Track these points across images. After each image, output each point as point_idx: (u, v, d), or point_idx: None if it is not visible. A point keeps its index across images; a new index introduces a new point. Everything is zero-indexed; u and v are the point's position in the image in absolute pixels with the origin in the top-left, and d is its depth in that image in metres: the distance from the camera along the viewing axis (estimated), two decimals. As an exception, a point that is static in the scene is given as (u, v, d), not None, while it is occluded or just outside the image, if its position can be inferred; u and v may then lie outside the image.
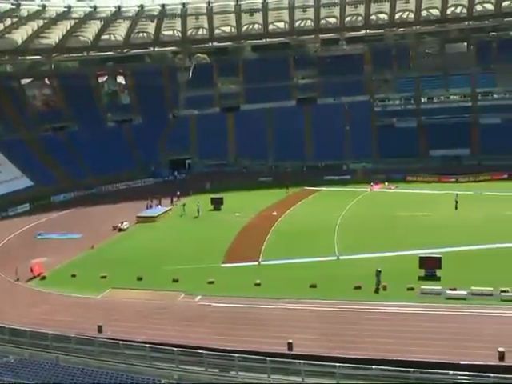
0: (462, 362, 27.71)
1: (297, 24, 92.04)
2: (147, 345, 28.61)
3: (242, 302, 36.94)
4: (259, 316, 34.84)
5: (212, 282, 40.34)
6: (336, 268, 42.34)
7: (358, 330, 32.32)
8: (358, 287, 37.77)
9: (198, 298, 38.28)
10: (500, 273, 37.93)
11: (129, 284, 41.04)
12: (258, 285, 39.44)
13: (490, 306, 34.53)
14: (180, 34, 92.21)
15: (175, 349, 27.83)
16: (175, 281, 40.84)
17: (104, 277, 42.44)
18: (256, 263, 44.43)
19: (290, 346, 29.72)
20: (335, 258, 44.47)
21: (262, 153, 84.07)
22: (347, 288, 37.68)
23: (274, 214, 59.70)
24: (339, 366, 26.41)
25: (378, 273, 37.84)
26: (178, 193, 69.01)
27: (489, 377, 25.49)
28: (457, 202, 57.38)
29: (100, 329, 32.69)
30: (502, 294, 35.52)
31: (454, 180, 69.99)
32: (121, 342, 28.83)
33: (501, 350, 28.32)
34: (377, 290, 37.46)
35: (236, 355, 27.30)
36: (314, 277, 39.68)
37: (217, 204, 63.82)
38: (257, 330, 32.87)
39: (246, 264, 44.51)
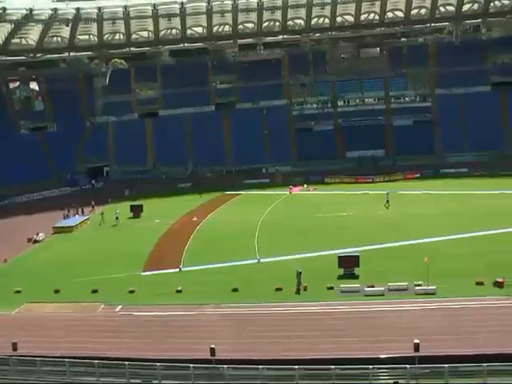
0: (381, 356, 28.61)
1: (215, 29, 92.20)
2: (66, 359, 27.76)
3: (163, 309, 36.53)
4: (181, 323, 34.57)
5: (133, 291, 39.65)
6: (257, 271, 42.62)
7: (280, 331, 32.61)
8: (280, 289, 38.16)
9: (119, 308, 37.50)
10: (414, 268, 39.22)
11: (45, 297, 39.68)
12: (180, 292, 39.11)
13: (406, 300, 35.80)
14: (96, 39, 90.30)
15: (96, 361, 27.14)
16: (94, 291, 39.86)
17: (18, 291, 40.80)
18: (177, 270, 44.02)
19: (212, 351, 29.60)
20: (256, 261, 44.72)
21: (182, 158, 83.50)
22: (268, 290, 38.01)
23: (195, 219, 59.41)
24: (262, 368, 26.63)
25: (299, 274, 38.36)
26: (93, 203, 67.24)
27: (406, 368, 26.42)
28: (388, 200, 58.79)
29: (15, 346, 31.33)
30: (416, 288, 36.96)
31: (370, 180, 72.02)
32: (38, 358, 27.81)
33: (416, 341, 29.39)
34: (298, 291, 37.98)
35: (158, 364, 26.96)
36: (236, 281, 39.76)
37: (136, 211, 62.82)
38: (179, 337, 32.62)
39: (166, 271, 44.04)
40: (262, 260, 44.77)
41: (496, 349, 28.84)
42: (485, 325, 32.15)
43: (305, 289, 38.02)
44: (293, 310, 35.41)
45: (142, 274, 43.91)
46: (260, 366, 26.87)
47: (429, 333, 31.29)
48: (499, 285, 36.59)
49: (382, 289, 37.13)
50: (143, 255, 47.80)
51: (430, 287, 36.70)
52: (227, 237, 51.47)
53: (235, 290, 38.58)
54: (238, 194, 71.11)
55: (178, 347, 31.06)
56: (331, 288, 37.98)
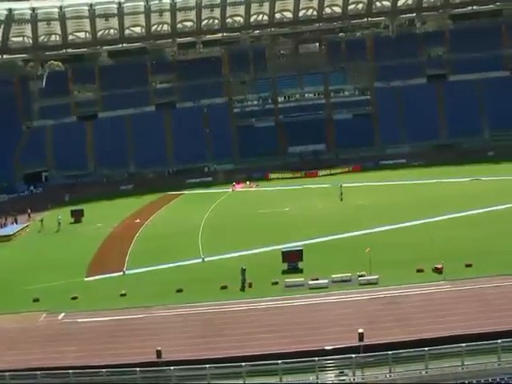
0: (327, 348, 28.87)
1: (153, 28, 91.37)
2: (7, 373, 26.88)
3: (108, 314, 35.84)
4: (127, 327, 34.00)
5: (75, 298, 38.76)
6: (202, 270, 42.41)
7: (226, 329, 32.52)
8: (225, 287, 38.07)
9: (62, 315, 36.58)
10: (357, 259, 39.76)
11: (-17, 309, 38.35)
12: (124, 295, 38.49)
13: (350, 291, 36.33)
14: (31, 41, 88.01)
15: (38, 372, 26.42)
16: (36, 300, 38.73)
17: (-47, 304, 39.31)
18: (121, 273, 43.35)
19: (158, 353, 29.27)
20: (200, 260, 44.52)
21: (123, 160, 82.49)
22: (213, 289, 37.84)
23: (137, 221, 58.76)
24: (209, 367, 26.51)
25: (243, 271, 38.37)
26: (29, 210, 65.34)
27: (351, 358, 26.79)
28: (341, 193, 59.40)
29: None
30: (360, 278, 37.53)
31: (312, 174, 72.60)
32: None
33: (360, 331, 29.84)
34: (243, 288, 37.97)
35: (104, 370, 26.48)
36: (181, 281, 39.46)
37: (77, 216, 61.56)
38: (125, 341, 32.06)
39: (110, 275, 43.25)
40: (206, 259, 44.59)
41: (436, 333, 29.58)
42: (426, 310, 32.92)
43: (250, 285, 38.03)
44: (238, 308, 35.37)
45: (85, 279, 43.00)
46: (207, 365, 26.73)
47: (372, 321, 31.85)
48: (438, 271, 37.60)
49: (326, 281, 37.51)
50: (86, 260, 46.83)
51: (372, 277, 37.32)
52: (171, 237, 51.08)
53: (180, 290, 38.26)
54: (181, 194, 70.72)
55: (125, 352, 30.52)
56: (276, 283, 38.15)
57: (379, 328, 31.12)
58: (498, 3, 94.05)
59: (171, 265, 43.85)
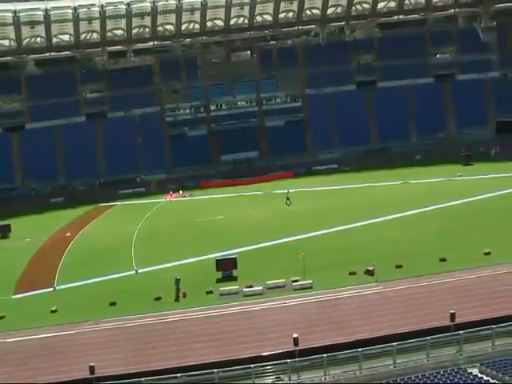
0: (263, 354, 29.02)
1: (82, 37, 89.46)
2: None
3: (38, 332, 34.70)
4: (58, 344, 33.08)
5: (3, 317, 37.34)
6: (135, 282, 41.75)
7: (161, 340, 32.14)
8: (159, 298, 37.63)
9: (-12, 335, 35.19)
10: (291, 264, 40.14)
11: None
12: (55, 311, 37.40)
13: (285, 297, 36.63)
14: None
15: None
16: (-41, 322, 37.11)
17: None
18: (51, 289, 42.09)
19: (91, 369, 28.58)
20: (134, 272, 43.80)
21: (52, 173, 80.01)
22: (147, 300, 37.33)
23: (68, 234, 57.16)
24: (145, 380, 26.14)
25: (177, 281, 38.03)
26: None
27: (286, 363, 26.98)
28: (288, 198, 59.50)
29: None
30: (294, 283, 37.88)
31: (245, 182, 72.53)
32: None
33: (295, 335, 30.11)
34: (177, 298, 37.66)
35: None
36: (114, 294, 38.72)
37: (4, 231, 59.21)
38: (57, 359, 31.16)
39: (40, 291, 41.92)
40: (139, 270, 43.90)
41: (370, 333, 30.19)
42: (359, 312, 33.59)
43: (184, 295, 37.76)
44: (173, 318, 35.01)
45: (13, 297, 41.47)
46: (142, 379, 26.34)
47: (307, 326, 32.25)
48: (370, 273, 38.42)
49: (261, 288, 37.69)
50: (13, 277, 45.07)
51: (306, 282, 37.75)
52: (103, 250, 50.02)
53: (113, 303, 37.54)
54: (114, 205, 69.18)
55: (57, 370, 29.67)
56: (210, 292, 38.05)
57: (314, 332, 31.54)
58: (423, 13, 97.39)
59: (104, 278, 42.93)
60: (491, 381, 24.12)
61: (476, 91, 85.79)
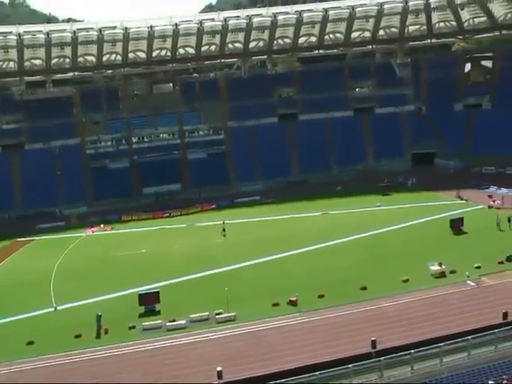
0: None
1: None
2: None
3: None
4: (-31, 388, 31.24)
5: None
6: (54, 320, 40.08)
7: (80, 380, 31.01)
8: (79, 335, 36.37)
9: None
10: (214, 297, 39.89)
11: None
12: (-35, 354, 35.37)
13: (208, 330, 36.26)
14: None
15: None
16: None
17: None
18: (-39, 330, 39.86)
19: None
20: (53, 309, 42.12)
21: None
22: (67, 338, 35.97)
23: (-18, 271, 54.52)
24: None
25: (99, 317, 36.99)
26: None
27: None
28: (224, 229, 59.24)
29: None
30: (217, 316, 37.59)
31: (167, 215, 71.70)
32: None
33: (219, 369, 29.86)
34: (98, 335, 36.52)
35: None
36: (31, 333, 37.09)
37: None
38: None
39: None
40: (59, 307, 42.21)
41: (294, 364, 30.34)
42: (282, 342, 33.69)
43: (106, 332, 36.67)
44: (93, 356, 33.89)
45: None
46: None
47: (231, 358, 32.03)
48: (293, 303, 38.70)
49: (184, 322, 37.19)
50: None
51: (230, 314, 37.55)
52: (20, 286, 47.86)
53: (31, 342, 35.92)
54: (31, 240, 66.42)
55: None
56: (133, 327, 37.16)
57: (238, 364, 31.36)
58: (342, 48, 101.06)
59: (21, 316, 40.96)
60: (411, 404, 24.69)
61: (393, 124, 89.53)
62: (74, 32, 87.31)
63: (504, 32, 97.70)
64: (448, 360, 29.18)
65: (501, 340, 30.38)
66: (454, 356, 29.44)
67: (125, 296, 43.17)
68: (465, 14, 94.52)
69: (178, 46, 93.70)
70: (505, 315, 33.31)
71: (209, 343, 34.70)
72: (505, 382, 22.18)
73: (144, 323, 37.30)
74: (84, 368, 32.43)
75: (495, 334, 30.36)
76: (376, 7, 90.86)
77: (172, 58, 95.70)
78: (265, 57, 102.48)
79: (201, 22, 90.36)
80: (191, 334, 35.96)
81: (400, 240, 51.81)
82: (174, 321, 37.35)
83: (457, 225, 53.14)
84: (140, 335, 36.20)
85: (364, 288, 40.52)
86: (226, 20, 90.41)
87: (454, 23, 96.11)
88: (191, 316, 37.60)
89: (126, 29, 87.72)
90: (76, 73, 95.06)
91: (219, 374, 29.86)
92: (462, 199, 65.81)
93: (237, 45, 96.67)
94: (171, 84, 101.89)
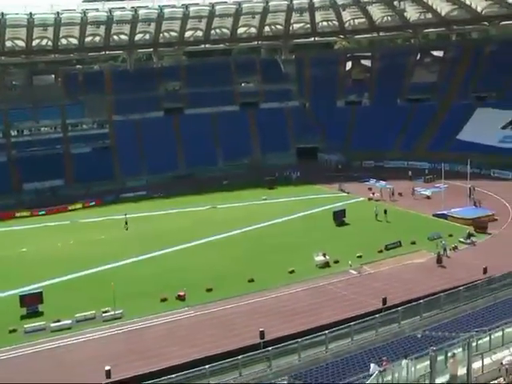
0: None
1: None
2: None
3: None
4: None
5: None
6: None
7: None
8: (-47, 342, 34.12)
9: None
10: (101, 295, 38.75)
11: None
12: None
13: (95, 329, 35.34)
14: None
15: None
16: None
17: None
18: None
19: None
20: None
21: None
22: None
23: None
24: None
25: (-25, 322, 34.94)
26: None
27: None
28: (126, 222, 57.66)
29: None
30: (104, 314, 36.69)
31: (49, 212, 67.84)
32: None
33: (107, 368, 29.21)
34: (-26, 341, 34.46)
35: None
36: None
37: None
38: None
39: None
40: None
41: (182, 359, 30.29)
42: (170, 338, 33.65)
43: (-17, 337, 34.73)
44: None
45: None
46: None
47: (119, 357, 31.42)
48: (181, 298, 38.60)
49: (69, 322, 35.93)
50: None
51: (117, 312, 36.75)
52: None
53: None
54: None
55: None
56: (14, 330, 35.35)
57: (126, 362, 30.86)
58: (228, 43, 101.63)
59: None
60: (299, 392, 25.34)
61: (278, 119, 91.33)
62: None
63: (381, 34, 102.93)
64: (333, 346, 30.35)
65: (381, 324, 32.05)
66: (338, 342, 30.66)
67: (4, 298, 40.98)
68: (346, 15, 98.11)
69: (60, 35, 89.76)
70: (384, 301, 35.20)
71: (96, 342, 33.80)
72: (384, 363, 23.50)
73: (26, 325, 35.60)
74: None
75: (375, 319, 31.96)
76: (262, 4, 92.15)
77: (54, 49, 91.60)
78: (151, 50, 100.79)
79: (84, 12, 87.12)
80: (77, 334, 34.83)
81: (286, 232, 53.10)
82: (58, 321, 35.96)
83: (339, 216, 55.38)
84: (22, 338, 34.50)
85: (251, 280, 41.17)
86: (110, 11, 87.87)
87: (336, 23, 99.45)
88: (77, 315, 36.38)
89: (3, 14, 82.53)
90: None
91: (107, 374, 29.19)
92: (344, 192, 68.59)
93: (122, 37, 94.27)
94: (53, 75, 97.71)
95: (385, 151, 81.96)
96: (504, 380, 18.23)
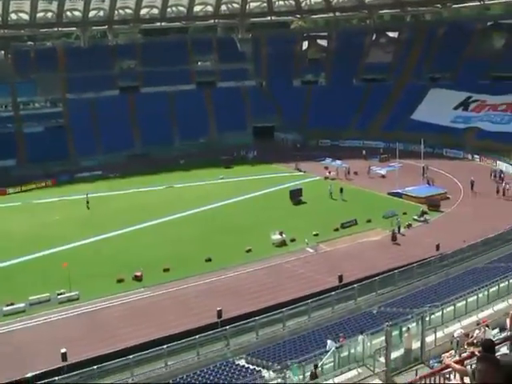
0: (27, 375, 27.37)
1: None
2: None
3: None
4: None
5: None
6: None
7: None
8: None
9: None
10: (56, 277, 38.10)
11: None
12: None
13: (51, 311, 34.84)
14: None
15: None
16: None
17: None
18: None
19: None
20: None
21: None
22: None
23: None
24: None
25: None
26: None
27: (54, 380, 25.92)
28: (88, 202, 56.96)
29: None
30: (59, 296, 36.17)
31: (2, 193, 66.53)
32: None
33: (63, 350, 28.87)
34: None
35: None
36: None
37: None
38: None
39: None
40: None
41: (139, 339, 30.19)
42: (127, 319, 33.60)
43: None
44: None
45: None
46: None
47: (75, 339, 31.11)
48: (138, 278, 38.35)
49: (23, 305, 35.28)
50: None
51: (72, 293, 36.29)
52: None
53: None
54: None
55: None
56: (-38, 316, 34.65)
57: (83, 345, 30.64)
58: (185, 21, 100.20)
59: None
60: (257, 369, 25.63)
61: (235, 98, 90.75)
62: None
63: (337, 14, 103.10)
64: (290, 324, 30.69)
65: (337, 301, 32.55)
66: (295, 320, 31.03)
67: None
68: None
69: (10, 10, 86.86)
70: (340, 278, 35.71)
71: (51, 325, 33.40)
72: (341, 339, 23.91)
73: (-23, 309, 34.91)
74: None
75: (332, 297, 32.43)
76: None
77: (3, 24, 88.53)
78: (105, 27, 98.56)
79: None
80: (31, 317, 34.31)
81: (243, 211, 53.17)
82: (11, 304, 35.27)
83: (296, 195, 55.72)
84: (-27, 322, 33.85)
85: (209, 260, 41.15)
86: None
87: (292, 2, 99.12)
88: (30, 298, 35.76)
89: None
90: None
91: (63, 356, 28.88)
92: (300, 171, 68.98)
93: (76, 13, 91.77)
94: (2, 52, 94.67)
95: (341, 130, 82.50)
96: (455, 352, 18.76)
